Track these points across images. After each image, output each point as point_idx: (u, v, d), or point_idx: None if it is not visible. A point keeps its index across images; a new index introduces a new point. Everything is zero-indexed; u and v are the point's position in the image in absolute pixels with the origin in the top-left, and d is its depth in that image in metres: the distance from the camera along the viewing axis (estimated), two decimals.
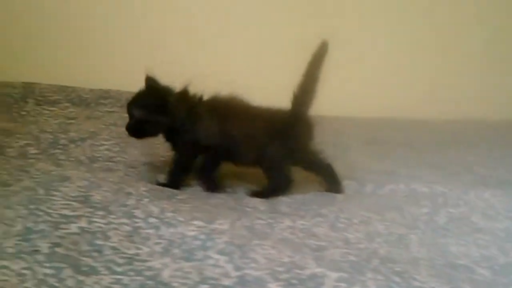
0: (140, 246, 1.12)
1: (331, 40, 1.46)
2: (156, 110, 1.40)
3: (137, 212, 1.23)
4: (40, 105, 1.95)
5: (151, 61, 1.90)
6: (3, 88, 1.97)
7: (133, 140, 1.51)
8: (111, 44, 2.23)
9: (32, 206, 1.18)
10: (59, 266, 1.00)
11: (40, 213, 1.16)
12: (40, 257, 1.02)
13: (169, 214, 1.24)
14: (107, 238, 1.12)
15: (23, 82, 2.02)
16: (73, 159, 1.56)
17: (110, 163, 1.57)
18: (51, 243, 1.07)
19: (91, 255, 1.07)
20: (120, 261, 1.06)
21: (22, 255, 1.02)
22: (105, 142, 1.69)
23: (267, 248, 1.13)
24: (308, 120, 1.50)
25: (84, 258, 1.05)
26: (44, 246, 1.06)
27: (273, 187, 1.49)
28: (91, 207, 1.22)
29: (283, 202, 1.46)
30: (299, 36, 1.88)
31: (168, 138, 1.48)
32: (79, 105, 2.01)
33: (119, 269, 1.04)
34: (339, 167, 1.57)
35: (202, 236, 1.16)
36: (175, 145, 1.48)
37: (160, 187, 1.42)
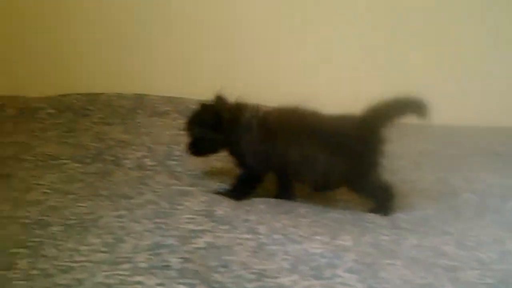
0: (267, 262, 1.10)
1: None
2: (212, 127, 1.38)
3: (260, 228, 1.22)
4: (151, 116, 1.99)
5: (253, 73, 1.92)
6: (116, 99, 2.02)
7: None
8: (217, 57, 2.24)
9: (158, 220, 1.20)
10: (191, 283, 1.00)
11: (167, 227, 1.17)
12: (172, 273, 1.03)
13: (291, 230, 1.23)
14: (233, 253, 1.12)
15: (135, 94, 2.06)
16: (189, 172, 1.57)
17: (226, 177, 1.57)
18: (181, 258, 1.07)
19: (219, 271, 1.06)
20: (250, 276, 1.05)
21: (154, 270, 1.03)
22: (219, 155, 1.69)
23: (399, 268, 1.09)
24: (380, 133, 1.36)
25: (213, 274, 1.05)
26: (174, 261, 1.06)
27: (379, 201, 1.41)
28: (214, 222, 1.22)
29: (401, 218, 1.41)
30: None
31: (232, 153, 1.43)
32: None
33: (249, 285, 1.03)
34: (454, 179, 1.49)
35: (329, 254, 1.13)
36: (237, 160, 1.42)
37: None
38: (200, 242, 1.14)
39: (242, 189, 1.41)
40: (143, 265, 1.04)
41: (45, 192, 1.38)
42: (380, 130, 1.35)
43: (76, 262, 1.07)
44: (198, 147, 1.42)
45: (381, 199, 1.40)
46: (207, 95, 2.08)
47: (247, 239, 1.18)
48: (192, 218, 1.23)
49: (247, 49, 2.25)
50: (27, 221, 1.22)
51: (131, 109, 2.01)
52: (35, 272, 1.03)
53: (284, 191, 1.44)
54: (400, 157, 1.72)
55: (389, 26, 2.24)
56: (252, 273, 1.06)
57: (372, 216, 1.39)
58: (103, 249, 1.11)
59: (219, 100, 1.40)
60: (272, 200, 1.41)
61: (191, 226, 1.19)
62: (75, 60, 2.03)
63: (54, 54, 2.05)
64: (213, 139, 1.39)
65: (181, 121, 1.93)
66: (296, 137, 1.35)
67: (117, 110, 1.99)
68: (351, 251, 1.15)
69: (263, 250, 1.14)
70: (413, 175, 1.66)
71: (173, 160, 1.63)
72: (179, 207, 1.28)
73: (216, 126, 1.37)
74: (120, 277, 1.00)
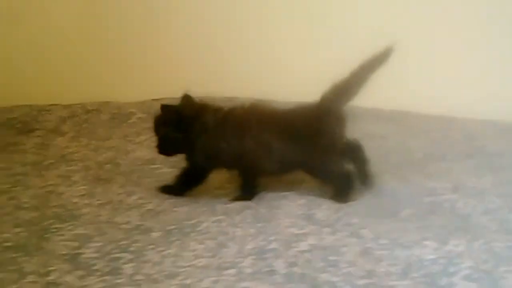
0: (376, 266, 1.05)
1: None
2: (174, 127, 1.36)
3: (364, 232, 1.17)
4: None
5: None
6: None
7: None
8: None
9: (259, 225, 1.17)
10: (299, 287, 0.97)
11: (269, 231, 1.14)
12: (278, 278, 1.00)
13: (398, 234, 1.17)
14: (340, 254, 1.08)
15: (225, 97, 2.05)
16: None
17: None
18: (286, 262, 1.04)
19: (327, 270, 1.03)
20: (360, 273, 1.01)
21: (260, 276, 1.00)
22: None
23: None
24: (338, 117, 1.36)
25: (321, 274, 1.01)
26: (279, 265, 1.03)
27: (337, 188, 1.36)
28: (316, 225, 1.18)
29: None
30: None
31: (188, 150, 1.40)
32: None
33: (360, 282, 0.99)
34: None
35: (442, 260, 1.07)
36: (188, 155, 1.40)
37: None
38: (304, 245, 1.10)
39: (185, 184, 1.40)
40: (248, 270, 1.02)
41: (142, 197, 1.38)
42: (334, 113, 1.36)
43: (180, 267, 1.05)
44: (164, 147, 1.40)
45: (338, 185, 1.36)
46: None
47: (351, 243, 1.13)
48: (293, 222, 1.19)
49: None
50: (127, 226, 1.23)
51: None
52: (140, 277, 1.03)
53: (246, 188, 1.39)
54: None
55: None
56: (362, 271, 1.02)
57: (481, 220, 1.31)
58: (206, 254, 1.09)
59: (185, 100, 1.38)
60: (372, 203, 1.35)
61: (293, 230, 1.15)
62: (167, 65, 2.04)
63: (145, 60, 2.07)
64: (175, 138, 1.37)
65: None
66: (253, 129, 1.35)
67: None
68: (465, 258, 1.08)
69: (370, 254, 1.09)
70: None
71: None
72: (277, 210, 1.25)
73: (178, 126, 1.36)
74: (227, 282, 0.97)
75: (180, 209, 1.32)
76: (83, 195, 1.36)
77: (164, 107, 1.36)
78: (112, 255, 1.10)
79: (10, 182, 1.38)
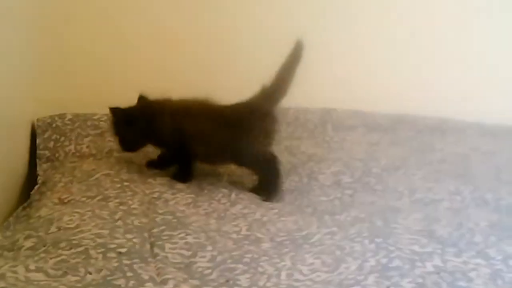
0: None
1: None
2: (124, 124, 1.50)
3: (491, 252, 1.09)
4: (339, 130, 1.92)
5: None
6: (303, 113, 1.97)
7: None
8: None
9: (378, 240, 1.11)
10: None
11: (391, 248, 1.08)
12: None
13: None
14: (469, 279, 1.00)
15: (321, 108, 2.01)
16: (391, 189, 1.47)
17: (430, 194, 1.45)
18: (415, 283, 0.97)
19: None
20: None
21: None
22: (417, 171, 1.58)
23: None
24: (267, 116, 1.47)
25: None
26: (406, 285, 0.97)
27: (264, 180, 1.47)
28: (439, 243, 1.11)
29: None
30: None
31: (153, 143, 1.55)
32: (377, 130, 1.94)
33: None
34: None
35: None
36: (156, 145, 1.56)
37: None
38: (429, 266, 1.03)
39: (166, 162, 1.55)
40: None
41: (247, 206, 1.35)
42: (260, 111, 1.46)
43: (297, 281, 1.01)
44: (124, 145, 1.53)
45: (264, 176, 1.47)
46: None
47: (479, 264, 1.05)
48: (414, 239, 1.12)
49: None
50: (237, 236, 1.20)
51: (319, 123, 1.95)
52: None
53: (182, 171, 1.51)
54: None
55: None
56: None
57: None
58: (324, 268, 1.04)
59: (140, 99, 1.51)
60: (495, 219, 1.27)
61: (415, 248, 1.09)
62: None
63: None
64: (131, 134, 1.51)
65: (372, 136, 1.88)
66: (192, 117, 1.48)
67: (305, 124, 1.94)
68: None
69: (501, 279, 1.01)
70: None
71: (372, 177, 1.54)
72: (395, 225, 1.19)
73: (127, 123, 1.50)
74: None
75: (288, 218, 1.28)
76: (189, 203, 1.34)
77: (113, 110, 1.51)
78: (228, 265, 1.06)
79: (118, 188, 1.38)
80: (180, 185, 1.43)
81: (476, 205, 1.38)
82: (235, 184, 1.49)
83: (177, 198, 1.36)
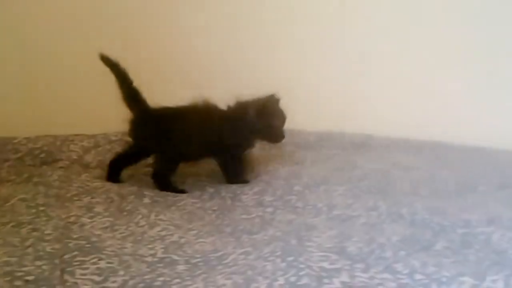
0: None
1: None
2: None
3: (398, 266, 1.12)
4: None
5: None
6: None
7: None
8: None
9: (290, 258, 1.13)
10: None
11: (301, 265, 1.09)
12: None
13: (433, 269, 1.12)
14: None
15: None
16: (310, 206, 1.49)
17: (348, 211, 1.48)
18: None
19: None
20: None
21: None
22: (338, 188, 1.61)
23: None
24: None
25: None
26: None
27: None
28: (349, 259, 1.13)
29: None
30: None
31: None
32: (304, 148, 1.97)
33: None
34: None
35: None
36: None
37: None
38: (336, 282, 1.05)
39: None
40: None
41: (166, 228, 1.35)
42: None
43: None
44: None
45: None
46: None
47: (385, 279, 1.08)
48: (325, 256, 1.14)
49: None
50: (152, 259, 1.19)
51: None
52: None
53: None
54: None
55: None
56: None
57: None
58: None
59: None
60: (407, 234, 1.30)
61: (325, 265, 1.11)
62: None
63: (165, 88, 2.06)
64: None
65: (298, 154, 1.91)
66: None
67: None
68: None
69: None
70: None
71: (293, 194, 1.56)
72: (307, 243, 1.21)
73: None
74: None
75: (206, 239, 1.28)
76: (106, 227, 1.33)
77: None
78: None
79: (33, 213, 1.35)
80: (98, 208, 1.42)
81: (392, 220, 1.41)
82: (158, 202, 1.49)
83: (94, 222, 1.35)
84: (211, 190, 1.60)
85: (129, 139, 1.69)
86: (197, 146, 1.63)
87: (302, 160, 1.85)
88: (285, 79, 2.05)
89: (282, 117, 1.66)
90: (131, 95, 1.62)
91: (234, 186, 1.61)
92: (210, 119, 1.64)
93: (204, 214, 1.46)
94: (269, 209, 1.48)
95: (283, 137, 1.67)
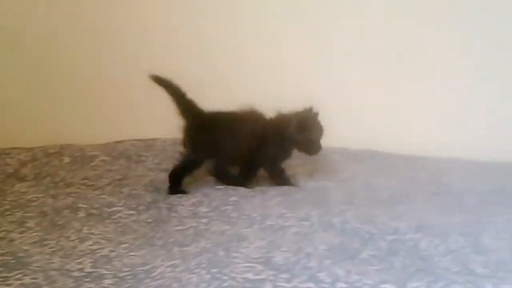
0: None
1: None
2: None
3: (321, 275, 1.14)
4: None
5: None
6: (172, 145, 1.98)
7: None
8: None
9: (214, 270, 1.14)
10: None
11: (225, 277, 1.11)
12: None
13: (356, 277, 1.14)
14: None
15: None
16: (245, 216, 1.51)
17: (280, 221, 1.49)
18: None
19: None
20: None
21: None
22: (275, 198, 1.62)
23: None
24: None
25: None
26: None
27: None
28: (274, 270, 1.15)
29: (477, 261, 1.29)
30: None
31: None
32: None
33: None
34: None
35: None
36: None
37: None
38: None
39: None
40: None
41: (97, 242, 1.34)
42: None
43: None
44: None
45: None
46: None
47: None
48: (251, 267, 1.15)
49: None
50: (79, 273, 1.19)
51: None
52: None
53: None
54: None
55: None
56: None
57: (443, 261, 1.28)
58: None
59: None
60: (336, 243, 1.32)
61: (249, 276, 1.12)
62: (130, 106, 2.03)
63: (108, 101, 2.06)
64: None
65: None
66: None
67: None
68: None
69: None
70: None
71: (229, 205, 1.57)
72: (235, 254, 1.22)
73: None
74: None
75: (137, 253, 1.28)
76: (35, 242, 1.32)
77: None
78: None
79: None
80: (30, 223, 1.41)
81: (323, 230, 1.42)
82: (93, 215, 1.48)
83: (23, 237, 1.34)
84: (148, 200, 1.60)
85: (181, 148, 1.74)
86: (247, 152, 1.70)
87: None
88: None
89: (320, 131, 1.72)
90: (188, 108, 1.67)
91: (172, 197, 1.62)
92: (257, 126, 1.71)
93: (138, 227, 1.46)
94: (204, 220, 1.49)
95: (320, 149, 1.72)
